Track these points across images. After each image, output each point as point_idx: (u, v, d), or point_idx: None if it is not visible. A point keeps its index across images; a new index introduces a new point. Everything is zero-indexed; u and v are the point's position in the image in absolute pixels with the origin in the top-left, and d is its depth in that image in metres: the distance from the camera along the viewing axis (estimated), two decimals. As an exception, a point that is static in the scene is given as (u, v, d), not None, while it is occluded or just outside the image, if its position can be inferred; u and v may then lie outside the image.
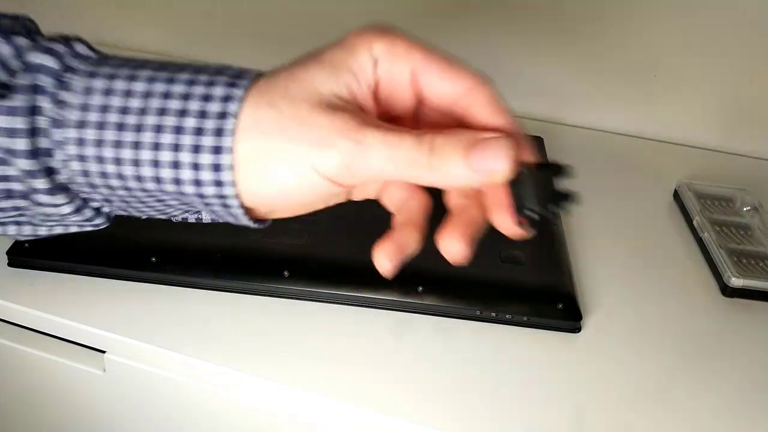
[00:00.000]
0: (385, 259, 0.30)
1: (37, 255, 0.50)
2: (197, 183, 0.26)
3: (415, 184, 0.31)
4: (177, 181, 0.26)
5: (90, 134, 0.26)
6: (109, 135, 0.26)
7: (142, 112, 0.26)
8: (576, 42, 0.75)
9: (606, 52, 0.75)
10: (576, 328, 0.48)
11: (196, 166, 0.26)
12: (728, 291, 0.53)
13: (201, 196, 0.27)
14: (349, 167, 0.26)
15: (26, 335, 0.49)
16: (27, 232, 0.31)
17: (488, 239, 0.54)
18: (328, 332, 0.47)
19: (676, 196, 0.64)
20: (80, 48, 0.28)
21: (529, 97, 0.81)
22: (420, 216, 0.32)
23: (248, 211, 0.28)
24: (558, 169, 0.27)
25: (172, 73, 0.27)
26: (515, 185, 0.27)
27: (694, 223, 0.60)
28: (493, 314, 0.48)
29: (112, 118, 0.26)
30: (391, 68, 0.28)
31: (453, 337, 0.47)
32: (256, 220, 0.30)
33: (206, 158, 0.26)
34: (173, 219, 0.31)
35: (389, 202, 0.34)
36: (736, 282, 0.52)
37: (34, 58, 0.27)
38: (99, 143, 0.26)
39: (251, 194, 0.27)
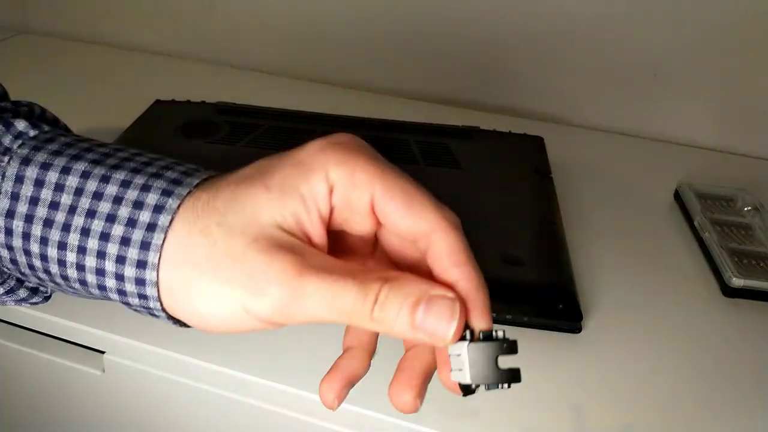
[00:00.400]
0: (332, 394, 0.28)
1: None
2: (121, 292, 0.25)
3: None
4: (101, 287, 0.25)
5: (17, 226, 0.25)
6: (36, 230, 0.25)
7: (72, 210, 0.25)
8: (577, 41, 0.75)
9: (607, 51, 0.75)
10: (577, 329, 0.48)
11: (119, 277, 0.25)
12: (729, 291, 0.53)
13: (127, 304, 0.26)
14: (283, 314, 0.24)
15: (25, 335, 0.49)
16: None
17: (489, 239, 0.54)
18: (329, 333, 0.47)
19: (677, 196, 0.64)
20: (21, 126, 0.26)
21: (530, 96, 0.81)
22: (370, 339, 0.30)
23: (181, 321, 0.27)
24: (505, 345, 0.25)
25: (109, 170, 0.25)
26: (457, 348, 0.25)
27: (695, 223, 0.60)
28: (493, 314, 0.47)
29: (41, 212, 0.25)
30: (349, 196, 0.26)
31: (453, 338, 0.47)
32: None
33: (130, 271, 0.24)
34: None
35: None
36: (736, 282, 0.52)
37: None
38: (26, 237, 0.25)
39: (178, 315, 0.26)
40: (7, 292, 0.28)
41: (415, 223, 0.26)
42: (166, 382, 0.46)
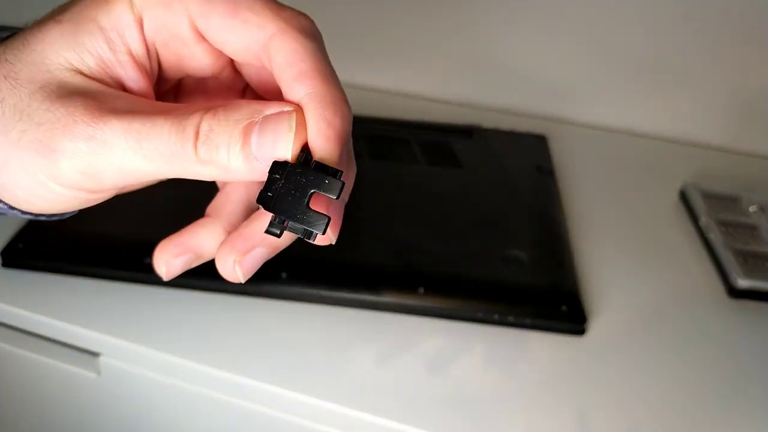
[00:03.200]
0: (161, 260, 0.24)
1: (31, 255, 0.49)
2: None
3: None
4: None
5: None
6: None
7: None
8: (581, 38, 0.75)
9: (611, 48, 0.74)
10: (580, 330, 0.48)
11: None
12: (735, 292, 0.52)
13: None
14: (89, 173, 0.20)
15: (18, 337, 0.49)
16: None
17: (491, 239, 0.54)
18: (327, 335, 0.46)
19: (683, 196, 0.64)
20: None
21: (533, 95, 0.80)
22: (235, 208, 0.25)
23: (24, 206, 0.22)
24: (327, 181, 0.20)
25: None
26: (278, 174, 0.20)
27: (701, 223, 0.59)
28: (496, 316, 0.47)
29: None
30: (165, 22, 0.21)
31: (454, 340, 0.46)
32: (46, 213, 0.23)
33: None
34: None
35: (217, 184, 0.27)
36: (742, 283, 0.51)
37: None
38: None
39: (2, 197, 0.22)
40: None
41: (246, 32, 0.21)
42: (164, 386, 0.46)
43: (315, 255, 0.50)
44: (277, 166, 0.20)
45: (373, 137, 0.65)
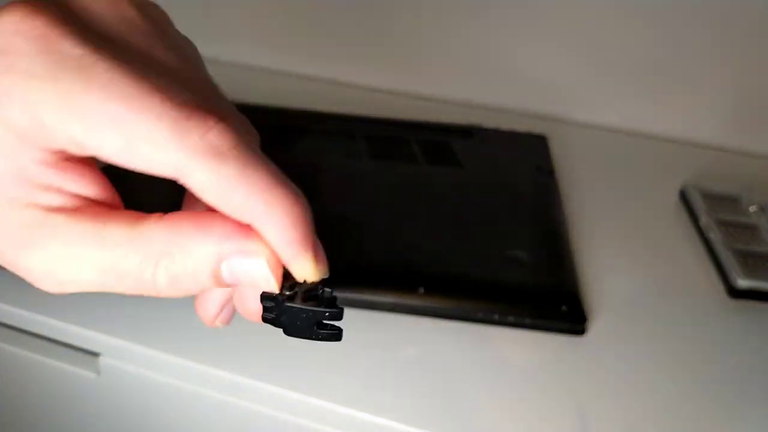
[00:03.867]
0: None
1: (30, 255, 0.49)
2: None
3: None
4: None
5: None
6: None
7: None
8: (581, 38, 0.75)
9: (612, 49, 0.74)
10: (580, 330, 0.47)
11: None
12: (735, 292, 0.52)
13: None
14: (49, 274, 0.20)
15: (18, 337, 0.49)
16: None
17: (491, 239, 0.53)
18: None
19: (683, 195, 0.64)
20: None
21: (533, 95, 0.80)
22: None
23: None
24: (327, 314, 0.21)
25: None
26: (270, 303, 0.21)
27: (701, 223, 0.59)
28: (496, 316, 0.47)
29: None
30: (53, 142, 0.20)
31: (454, 340, 0.46)
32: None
33: None
34: None
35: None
36: (742, 283, 0.51)
37: None
38: None
39: None
40: None
41: (147, 167, 0.18)
42: (163, 386, 0.46)
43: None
44: (267, 297, 0.20)
45: (373, 137, 0.65)
